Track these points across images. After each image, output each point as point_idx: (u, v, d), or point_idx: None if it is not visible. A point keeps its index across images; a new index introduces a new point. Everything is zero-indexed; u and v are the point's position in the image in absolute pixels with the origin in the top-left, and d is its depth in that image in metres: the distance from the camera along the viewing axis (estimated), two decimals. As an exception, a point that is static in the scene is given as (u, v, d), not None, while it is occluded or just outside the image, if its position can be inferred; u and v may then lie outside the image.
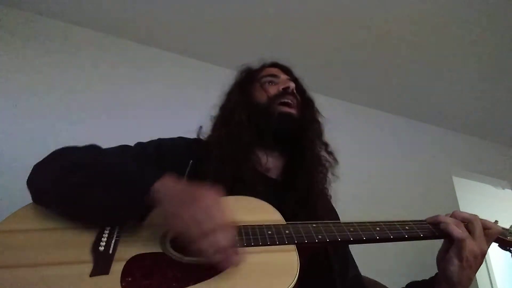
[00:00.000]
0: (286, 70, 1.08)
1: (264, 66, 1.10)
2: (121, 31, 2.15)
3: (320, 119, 1.04)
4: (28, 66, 1.88)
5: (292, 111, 0.95)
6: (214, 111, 1.05)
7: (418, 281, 0.84)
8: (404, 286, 0.85)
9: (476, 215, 0.78)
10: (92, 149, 0.81)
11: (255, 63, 1.12)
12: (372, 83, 2.60)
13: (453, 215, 0.78)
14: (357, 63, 2.41)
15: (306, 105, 1.03)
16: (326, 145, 1.01)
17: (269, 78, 1.03)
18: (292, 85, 0.98)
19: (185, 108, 2.09)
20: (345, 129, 2.54)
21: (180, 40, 2.23)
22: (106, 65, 2.08)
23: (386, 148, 2.74)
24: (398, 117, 2.95)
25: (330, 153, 1.00)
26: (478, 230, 0.74)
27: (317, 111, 1.06)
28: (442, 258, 0.75)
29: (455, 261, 0.71)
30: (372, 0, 1.94)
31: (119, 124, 1.91)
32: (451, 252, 0.72)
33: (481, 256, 0.73)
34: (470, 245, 0.71)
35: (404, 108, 2.86)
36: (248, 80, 1.06)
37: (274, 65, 1.10)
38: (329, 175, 0.98)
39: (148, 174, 0.65)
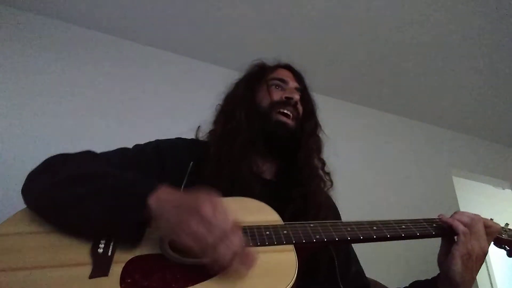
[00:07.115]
0: (298, 77, 1.05)
1: (277, 66, 1.07)
2: (121, 31, 2.15)
3: (320, 134, 1.02)
4: (29, 66, 1.88)
5: (289, 121, 0.94)
6: (220, 100, 1.03)
7: (421, 280, 0.84)
8: (407, 285, 0.85)
9: (478, 215, 0.78)
10: (87, 158, 0.78)
11: (269, 60, 1.09)
12: (373, 83, 2.60)
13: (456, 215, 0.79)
14: (357, 63, 2.41)
15: (308, 117, 1.01)
16: (323, 163, 0.99)
17: (277, 82, 1.00)
18: (296, 97, 0.97)
19: (185, 108, 2.09)
20: (345, 129, 2.54)
21: (180, 40, 2.23)
22: (107, 66, 2.08)
23: (386, 148, 2.75)
24: (398, 117, 2.95)
25: (327, 174, 0.98)
26: (482, 229, 0.75)
27: (318, 125, 1.04)
28: (444, 259, 0.75)
29: (458, 262, 0.71)
30: (374, 1, 1.95)
31: (119, 125, 1.91)
32: (454, 251, 0.73)
33: (483, 256, 0.73)
34: (474, 244, 0.72)
35: (404, 108, 2.86)
36: (257, 76, 1.04)
37: (288, 68, 1.07)
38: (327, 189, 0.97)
39: (140, 188, 0.63)
